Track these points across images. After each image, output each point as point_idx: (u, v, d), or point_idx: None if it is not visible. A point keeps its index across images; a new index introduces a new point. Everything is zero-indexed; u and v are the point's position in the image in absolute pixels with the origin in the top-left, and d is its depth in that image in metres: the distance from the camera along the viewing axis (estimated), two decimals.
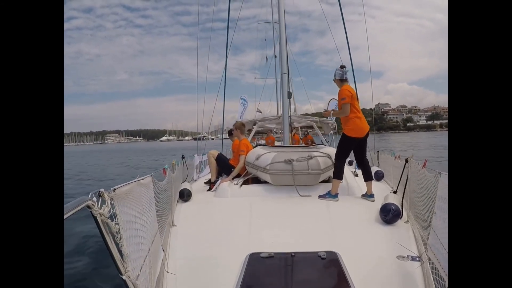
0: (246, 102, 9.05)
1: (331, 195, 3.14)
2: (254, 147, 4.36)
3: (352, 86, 3.39)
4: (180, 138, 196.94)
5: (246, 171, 3.81)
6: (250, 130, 8.13)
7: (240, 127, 4.34)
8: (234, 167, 3.91)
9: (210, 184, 3.88)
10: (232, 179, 3.79)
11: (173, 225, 2.55)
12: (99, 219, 1.05)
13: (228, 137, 4.37)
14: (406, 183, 2.83)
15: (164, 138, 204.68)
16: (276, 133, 10.21)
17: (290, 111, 5.81)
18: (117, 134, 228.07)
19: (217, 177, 3.95)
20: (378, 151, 5.70)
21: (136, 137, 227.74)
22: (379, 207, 2.52)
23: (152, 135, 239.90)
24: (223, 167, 4.03)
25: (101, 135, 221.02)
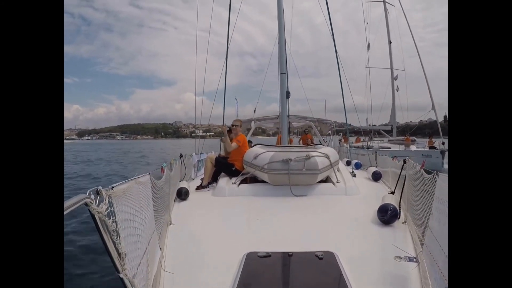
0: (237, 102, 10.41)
1: None
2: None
3: None
4: None
5: (243, 170, 3.81)
6: (248, 129, 8.14)
7: (235, 124, 4.54)
8: (233, 164, 4.01)
9: (201, 186, 3.90)
10: (230, 173, 3.93)
11: (170, 223, 2.54)
12: (96, 217, 1.05)
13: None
14: (404, 184, 2.84)
15: None
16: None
17: (288, 111, 5.82)
18: None
19: (211, 182, 4.00)
20: (376, 152, 5.72)
21: None
22: (377, 208, 2.53)
23: None
24: (224, 168, 4.10)
25: None
